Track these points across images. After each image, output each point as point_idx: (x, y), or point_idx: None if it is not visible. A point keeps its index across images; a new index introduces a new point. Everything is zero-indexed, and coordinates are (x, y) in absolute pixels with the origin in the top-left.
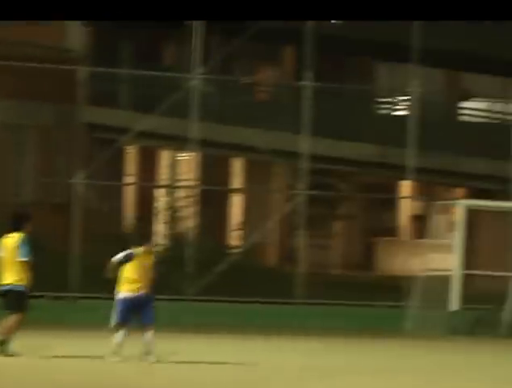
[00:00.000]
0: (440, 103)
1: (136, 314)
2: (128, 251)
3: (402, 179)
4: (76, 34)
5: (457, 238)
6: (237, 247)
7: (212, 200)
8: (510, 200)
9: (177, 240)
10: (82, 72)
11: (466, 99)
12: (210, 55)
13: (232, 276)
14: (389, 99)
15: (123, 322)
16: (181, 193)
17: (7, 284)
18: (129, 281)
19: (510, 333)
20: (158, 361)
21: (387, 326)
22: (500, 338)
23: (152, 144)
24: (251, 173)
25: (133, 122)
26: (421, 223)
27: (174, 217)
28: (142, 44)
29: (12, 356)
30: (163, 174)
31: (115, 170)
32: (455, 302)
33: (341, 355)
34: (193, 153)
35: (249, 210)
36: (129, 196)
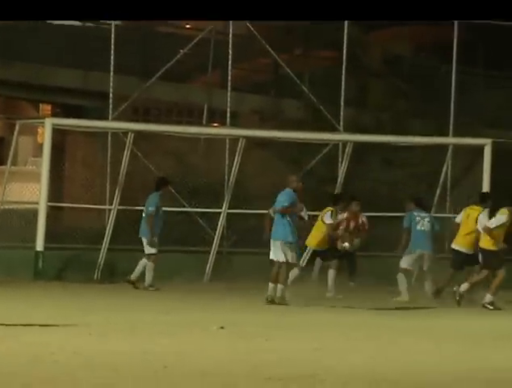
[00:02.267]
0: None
1: None
2: None
3: None
4: None
5: (44, 165)
6: None
7: None
8: (107, 119)
9: None
10: None
11: None
12: None
13: None
14: None
15: None
16: None
17: None
18: None
19: (105, 276)
20: None
21: None
22: (93, 282)
23: None
24: None
25: None
26: (0, 146)
27: None
28: None
29: None
30: None
31: None
32: (40, 241)
33: None
34: None
35: None
36: None
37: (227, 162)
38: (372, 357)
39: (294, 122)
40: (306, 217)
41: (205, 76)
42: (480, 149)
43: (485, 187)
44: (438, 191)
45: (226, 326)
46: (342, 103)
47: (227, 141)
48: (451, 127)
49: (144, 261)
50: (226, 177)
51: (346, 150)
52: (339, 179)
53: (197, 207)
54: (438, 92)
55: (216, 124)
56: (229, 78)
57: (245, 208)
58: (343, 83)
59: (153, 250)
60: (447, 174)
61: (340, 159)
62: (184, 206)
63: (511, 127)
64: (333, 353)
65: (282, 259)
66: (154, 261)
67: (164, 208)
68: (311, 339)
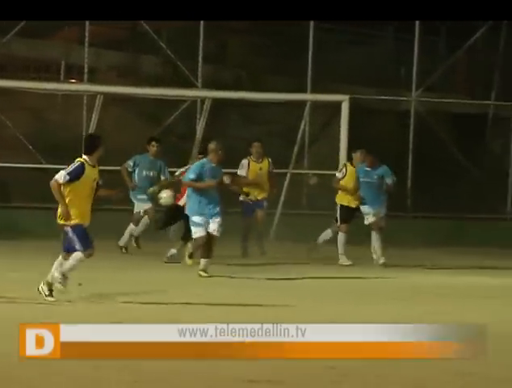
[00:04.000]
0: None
1: None
2: None
3: None
4: None
5: None
6: None
7: None
8: None
9: None
10: None
11: None
12: None
13: None
14: None
15: None
16: None
17: None
18: None
19: None
20: None
21: None
22: None
23: None
24: None
25: None
26: None
27: None
28: None
29: None
30: None
31: None
32: None
33: None
34: None
35: None
36: None
37: (85, 118)
38: (234, 311)
39: (152, 78)
40: None
41: (62, 32)
42: (337, 106)
43: (343, 144)
44: (296, 148)
45: (84, 283)
46: (200, 60)
47: (84, 97)
48: (308, 83)
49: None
50: (84, 133)
51: (204, 107)
52: (197, 136)
53: (55, 163)
54: (296, 48)
55: (73, 81)
56: (87, 33)
57: (104, 165)
58: (201, 39)
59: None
60: (305, 130)
61: (198, 116)
62: (41, 163)
63: (369, 83)
64: (194, 310)
65: None
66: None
67: (22, 165)
68: (171, 296)
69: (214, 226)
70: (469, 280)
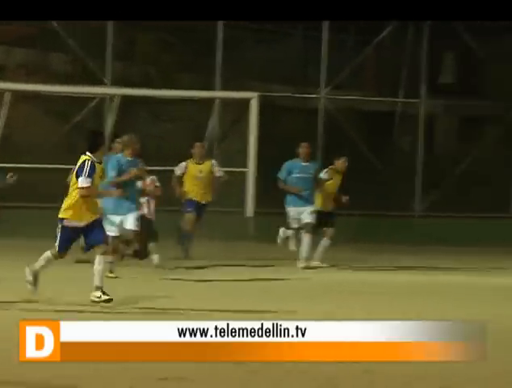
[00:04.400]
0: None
1: None
2: None
3: None
4: None
5: None
6: None
7: None
8: None
9: None
10: None
11: None
12: None
13: None
14: None
15: None
16: None
17: None
18: None
19: None
20: None
21: None
22: None
23: None
24: None
25: None
26: None
27: None
28: None
29: None
30: None
31: None
32: None
33: None
34: None
35: None
36: None
37: None
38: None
39: (61, 76)
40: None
41: None
42: (247, 103)
43: (252, 141)
44: (205, 145)
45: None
46: (109, 57)
47: None
48: (217, 81)
49: None
50: None
51: (114, 104)
52: (107, 133)
53: None
54: (206, 46)
55: None
56: None
57: (13, 163)
58: (110, 36)
59: None
60: (215, 128)
61: (107, 113)
62: None
63: (279, 81)
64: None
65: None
66: None
67: None
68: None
69: (131, 221)
70: (377, 277)
